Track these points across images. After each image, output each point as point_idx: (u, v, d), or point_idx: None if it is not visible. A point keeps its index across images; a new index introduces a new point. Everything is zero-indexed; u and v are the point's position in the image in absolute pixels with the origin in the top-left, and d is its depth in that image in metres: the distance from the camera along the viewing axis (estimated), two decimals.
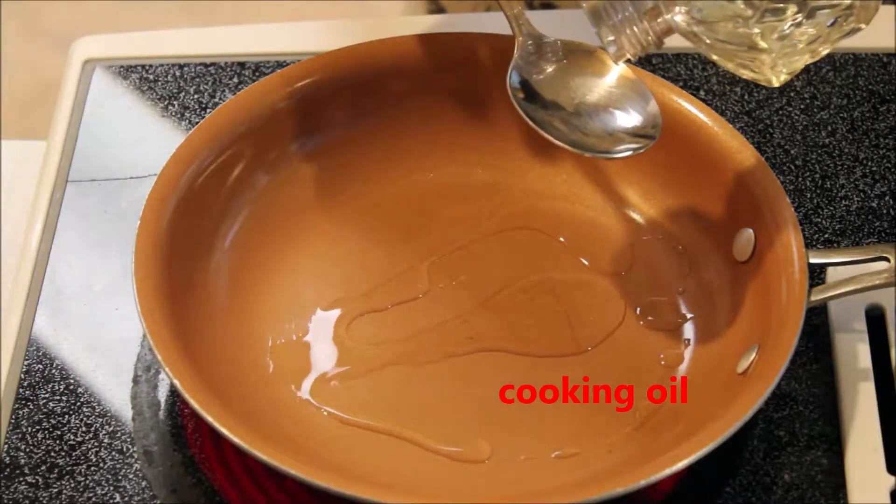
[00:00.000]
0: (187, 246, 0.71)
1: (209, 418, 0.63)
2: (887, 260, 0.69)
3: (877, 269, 0.69)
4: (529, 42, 0.72)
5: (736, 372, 0.68)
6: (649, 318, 0.74)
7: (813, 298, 0.68)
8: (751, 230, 0.72)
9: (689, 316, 0.74)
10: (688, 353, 0.72)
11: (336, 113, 0.78)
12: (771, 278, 0.69)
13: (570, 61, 0.72)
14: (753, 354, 0.68)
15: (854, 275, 0.69)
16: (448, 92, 0.78)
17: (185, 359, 0.66)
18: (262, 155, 0.76)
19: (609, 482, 0.62)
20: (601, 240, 0.77)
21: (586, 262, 0.76)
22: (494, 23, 0.76)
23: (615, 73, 0.71)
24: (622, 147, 0.70)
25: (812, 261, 0.69)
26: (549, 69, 0.72)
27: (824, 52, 0.63)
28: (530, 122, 0.69)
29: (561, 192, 0.79)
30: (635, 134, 0.70)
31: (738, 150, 0.73)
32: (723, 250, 0.73)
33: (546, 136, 0.69)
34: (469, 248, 0.77)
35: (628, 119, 0.70)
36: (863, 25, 0.63)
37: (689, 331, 0.73)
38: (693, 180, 0.75)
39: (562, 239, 0.77)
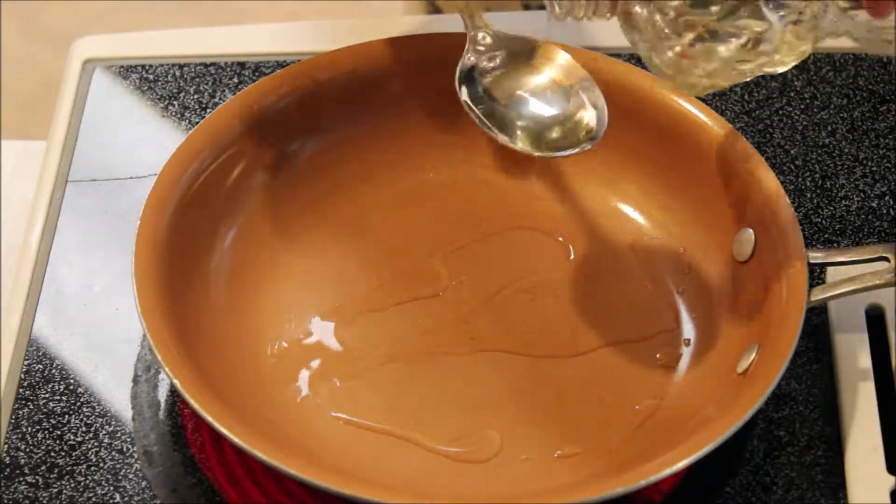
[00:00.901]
0: (187, 246, 0.71)
1: (209, 418, 0.63)
2: (887, 260, 0.69)
3: (877, 269, 0.69)
4: (481, 37, 0.72)
5: (736, 372, 0.68)
6: (650, 318, 0.74)
7: (813, 298, 0.68)
8: (751, 230, 0.72)
9: (689, 316, 0.74)
10: (688, 353, 0.72)
11: (336, 113, 0.78)
12: (771, 278, 0.69)
13: (518, 56, 0.72)
14: (753, 354, 0.68)
15: (854, 275, 0.69)
16: (447, 92, 0.78)
17: (185, 359, 0.66)
18: (261, 155, 0.76)
19: (609, 482, 0.62)
20: (601, 240, 0.77)
21: (586, 263, 0.76)
22: (494, 23, 0.76)
23: (562, 68, 0.71)
24: (567, 145, 0.70)
25: (812, 261, 0.69)
26: (499, 64, 0.72)
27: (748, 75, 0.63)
28: (476, 120, 0.70)
29: (561, 192, 0.79)
30: (580, 131, 0.70)
31: (739, 149, 0.73)
32: (723, 250, 0.73)
33: (491, 133, 0.69)
34: (469, 247, 0.77)
35: (574, 117, 0.71)
36: (780, 69, 0.62)
37: (689, 331, 0.73)
38: (693, 180, 0.75)
39: (561, 239, 0.77)
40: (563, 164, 0.79)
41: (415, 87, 0.78)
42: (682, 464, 0.63)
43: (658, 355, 0.72)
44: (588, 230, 0.77)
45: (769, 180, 0.72)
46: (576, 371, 0.72)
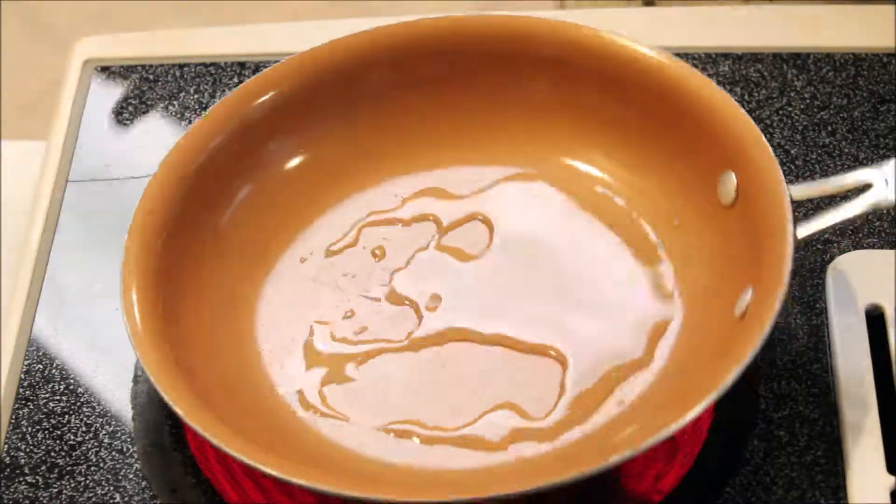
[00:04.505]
0: (177, 256, 0.70)
1: (178, 411, 0.63)
2: (871, 186, 0.68)
3: (862, 197, 0.68)
4: None
5: (735, 316, 0.67)
6: (642, 274, 0.73)
7: (800, 236, 0.67)
8: (732, 173, 0.71)
9: (680, 268, 0.73)
10: (683, 305, 0.72)
11: (326, 110, 0.77)
12: (757, 218, 0.68)
13: None
14: (749, 297, 0.67)
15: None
16: (432, 81, 0.78)
17: (171, 362, 0.65)
18: (253, 156, 0.75)
19: (628, 440, 0.62)
20: (578, 205, 0.76)
21: (573, 224, 0.76)
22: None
23: None
24: None
25: (795, 196, 0.68)
26: None
27: None
28: None
29: (535, 166, 0.78)
30: None
31: (707, 92, 0.72)
32: (707, 196, 0.72)
33: None
34: (450, 230, 0.76)
35: None
36: None
37: (683, 282, 0.72)
38: (665, 130, 0.74)
39: (546, 214, 0.76)
40: (537, 141, 0.78)
41: (400, 79, 0.78)
42: (695, 411, 0.62)
43: (654, 308, 0.72)
44: (564, 199, 0.77)
45: (742, 119, 0.71)
46: (571, 335, 0.71)
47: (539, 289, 0.74)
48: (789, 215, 0.67)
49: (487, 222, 0.77)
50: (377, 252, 0.76)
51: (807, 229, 0.68)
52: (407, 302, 0.74)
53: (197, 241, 0.73)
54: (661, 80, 0.74)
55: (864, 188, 0.69)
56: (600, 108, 0.77)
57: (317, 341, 0.72)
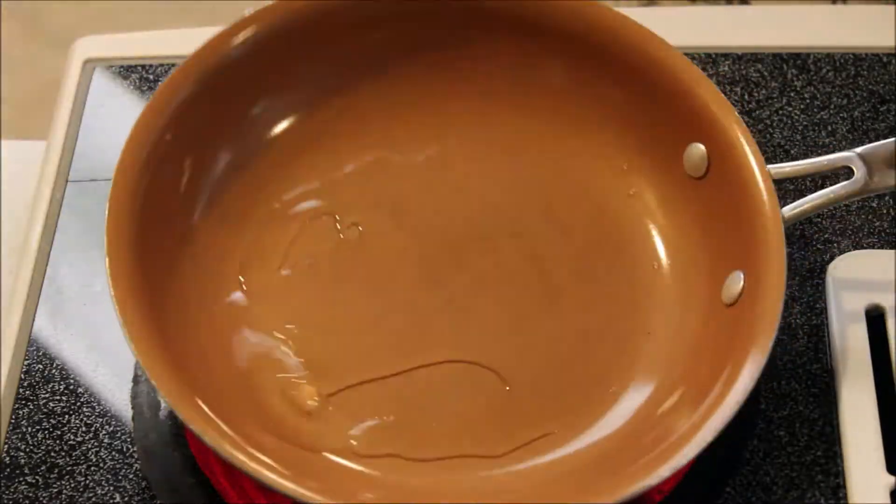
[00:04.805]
0: (156, 245, 0.69)
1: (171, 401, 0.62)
2: (851, 170, 0.68)
3: (845, 182, 0.68)
4: None
5: (723, 303, 0.66)
6: (616, 253, 0.73)
7: (787, 217, 0.67)
8: (701, 145, 0.70)
9: (657, 244, 0.72)
10: (664, 285, 0.71)
11: (317, 68, 0.75)
12: (735, 194, 0.67)
13: None
14: (741, 283, 0.66)
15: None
16: (435, 47, 0.76)
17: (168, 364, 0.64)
18: (232, 121, 0.74)
19: (662, 453, 0.61)
20: (550, 182, 0.75)
21: (552, 211, 0.75)
22: None
23: None
24: None
25: (775, 176, 0.68)
26: None
27: None
28: None
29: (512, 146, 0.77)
30: None
31: (672, 61, 0.71)
32: (674, 167, 0.71)
33: None
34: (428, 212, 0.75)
35: None
36: None
37: (661, 259, 0.72)
38: (628, 95, 0.73)
39: (516, 189, 0.75)
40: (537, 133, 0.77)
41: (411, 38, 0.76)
42: (729, 411, 0.60)
43: (634, 293, 0.71)
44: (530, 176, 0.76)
45: (711, 91, 0.70)
46: (557, 322, 0.70)
47: (518, 263, 0.73)
48: (775, 195, 0.66)
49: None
50: (354, 245, 0.74)
51: (792, 211, 0.67)
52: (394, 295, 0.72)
53: (174, 222, 0.71)
54: (618, 40, 0.73)
55: (846, 173, 0.68)
56: (555, 76, 0.75)
57: (305, 341, 0.71)
